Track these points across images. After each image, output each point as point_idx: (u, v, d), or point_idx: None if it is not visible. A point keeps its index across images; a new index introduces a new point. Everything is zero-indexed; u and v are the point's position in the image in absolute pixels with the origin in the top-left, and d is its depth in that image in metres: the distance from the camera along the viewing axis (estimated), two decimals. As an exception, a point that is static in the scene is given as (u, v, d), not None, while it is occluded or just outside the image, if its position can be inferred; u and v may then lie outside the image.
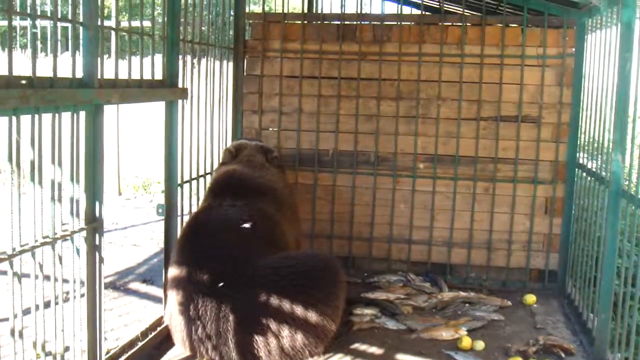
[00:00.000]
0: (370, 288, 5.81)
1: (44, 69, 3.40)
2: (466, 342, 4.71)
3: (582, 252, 5.30)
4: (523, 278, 6.12)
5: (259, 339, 3.93)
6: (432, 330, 4.94)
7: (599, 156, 4.99)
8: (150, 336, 4.59)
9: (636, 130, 4.39)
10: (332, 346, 4.41)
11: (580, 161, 5.64)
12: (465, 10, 6.32)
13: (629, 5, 4.30)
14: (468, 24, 6.09)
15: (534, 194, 6.01)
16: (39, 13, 3.40)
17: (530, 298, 5.68)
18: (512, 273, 6.16)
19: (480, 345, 4.71)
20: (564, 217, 5.95)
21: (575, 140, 5.83)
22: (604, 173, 4.81)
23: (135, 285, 6.11)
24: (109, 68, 3.94)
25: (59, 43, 3.48)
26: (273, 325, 3.92)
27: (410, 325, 5.03)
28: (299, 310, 3.94)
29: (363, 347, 4.69)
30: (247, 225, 4.42)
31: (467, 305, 5.48)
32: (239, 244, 4.22)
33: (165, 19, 4.68)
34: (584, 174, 5.40)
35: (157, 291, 5.62)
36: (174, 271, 4.21)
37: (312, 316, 3.97)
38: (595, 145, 5.12)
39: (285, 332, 3.94)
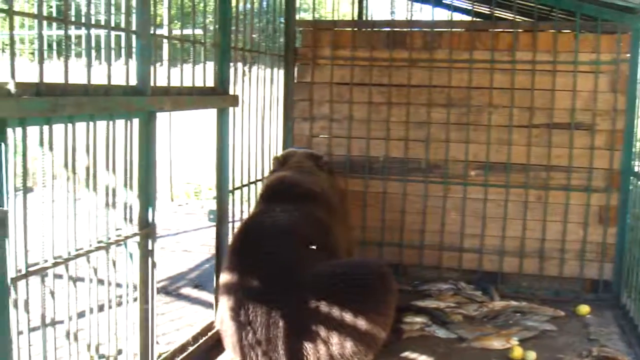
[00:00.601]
0: (420, 296, 5.78)
1: (99, 77, 3.46)
2: (517, 352, 4.65)
3: (637, 262, 5.20)
4: (576, 288, 6.01)
5: (308, 346, 3.93)
6: (483, 339, 4.89)
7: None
8: (201, 341, 4.63)
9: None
10: (382, 354, 4.37)
11: (636, 169, 5.54)
12: (517, 16, 6.26)
13: (686, 10, 4.21)
14: (519, 30, 6.03)
15: (588, 202, 5.91)
16: (93, 22, 3.47)
17: (584, 308, 5.58)
18: (565, 283, 6.06)
19: (531, 355, 4.64)
20: (619, 226, 5.84)
21: (630, 147, 5.73)
22: (659, 181, 4.72)
23: (187, 291, 6.17)
24: (162, 76, 4.00)
25: (112, 51, 3.54)
26: (323, 332, 3.92)
27: (461, 334, 4.99)
28: (349, 317, 3.93)
29: (413, 355, 4.67)
30: (298, 231, 4.43)
31: (518, 314, 5.41)
32: (290, 250, 4.23)
33: (217, 26, 4.73)
34: (639, 182, 5.30)
35: (208, 296, 5.66)
36: (225, 277, 4.23)
37: (362, 324, 3.95)
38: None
39: (335, 339, 3.93)
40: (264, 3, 5.85)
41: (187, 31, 4.51)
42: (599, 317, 5.50)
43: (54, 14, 7.51)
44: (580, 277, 6.00)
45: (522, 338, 4.93)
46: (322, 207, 4.82)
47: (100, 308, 3.45)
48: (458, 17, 8.34)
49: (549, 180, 5.99)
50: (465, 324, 5.22)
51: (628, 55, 5.74)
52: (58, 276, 3.09)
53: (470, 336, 4.95)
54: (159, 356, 4.11)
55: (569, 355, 4.65)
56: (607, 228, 5.90)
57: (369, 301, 4.06)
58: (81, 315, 3.29)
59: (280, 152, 5.78)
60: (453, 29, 6.18)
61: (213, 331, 4.71)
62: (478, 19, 7.21)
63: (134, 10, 3.61)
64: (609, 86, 5.82)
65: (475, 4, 6.65)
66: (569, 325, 5.32)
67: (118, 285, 3.59)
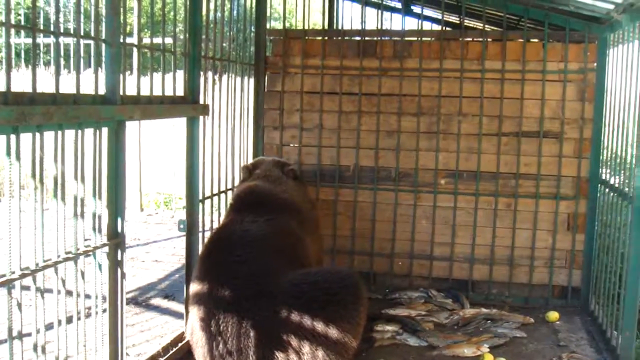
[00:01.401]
0: (391, 304, 5.80)
1: (67, 86, 3.43)
2: (488, 359, 4.68)
3: (605, 269, 5.25)
4: (545, 295, 6.06)
5: (279, 356, 3.91)
6: (453, 347, 4.91)
7: (622, 172, 4.95)
8: (171, 352, 4.60)
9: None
10: (353, 363, 4.38)
11: (603, 177, 5.60)
12: (486, 26, 6.31)
13: (651, 20, 4.27)
14: (489, 40, 6.07)
15: (556, 210, 5.96)
16: (62, 30, 3.44)
17: (553, 315, 5.63)
18: (535, 290, 6.10)
19: (502, 362, 4.68)
20: (587, 234, 5.90)
21: (597, 155, 5.79)
22: (626, 189, 4.77)
23: (157, 301, 6.12)
24: (131, 84, 3.98)
25: (81, 60, 3.51)
26: (294, 342, 3.91)
27: (432, 342, 5.00)
28: (319, 326, 3.92)
29: (384, 363, 4.68)
30: (268, 241, 4.41)
31: (489, 322, 5.45)
32: (260, 260, 4.22)
33: (187, 35, 4.71)
34: (607, 190, 5.36)
35: (179, 307, 5.63)
36: (195, 287, 4.21)
37: (333, 333, 3.95)
38: (618, 160, 5.08)
39: (306, 348, 3.92)
40: (235, 12, 5.84)
41: (157, 40, 4.48)
42: (568, 324, 5.55)
43: (22, 22, 7.43)
44: (549, 284, 6.04)
45: (492, 345, 4.96)
46: (292, 216, 4.82)
47: (69, 320, 3.41)
48: (428, 26, 8.40)
49: (518, 188, 6.03)
50: (436, 331, 5.24)
51: (595, 64, 5.81)
52: (25, 288, 3.05)
53: (441, 344, 4.97)
54: (129, 367, 4.07)
55: (539, 362, 4.69)
56: (576, 235, 5.96)
57: (339, 310, 4.05)
58: (49, 327, 3.25)
59: (250, 161, 5.76)
60: (423, 38, 6.21)
61: (183, 342, 4.68)
62: (448, 29, 7.24)
63: (103, 19, 3.59)
64: (576, 95, 5.88)
65: (445, 13, 6.69)
66: (539, 331, 5.36)
67: (87, 296, 3.55)
